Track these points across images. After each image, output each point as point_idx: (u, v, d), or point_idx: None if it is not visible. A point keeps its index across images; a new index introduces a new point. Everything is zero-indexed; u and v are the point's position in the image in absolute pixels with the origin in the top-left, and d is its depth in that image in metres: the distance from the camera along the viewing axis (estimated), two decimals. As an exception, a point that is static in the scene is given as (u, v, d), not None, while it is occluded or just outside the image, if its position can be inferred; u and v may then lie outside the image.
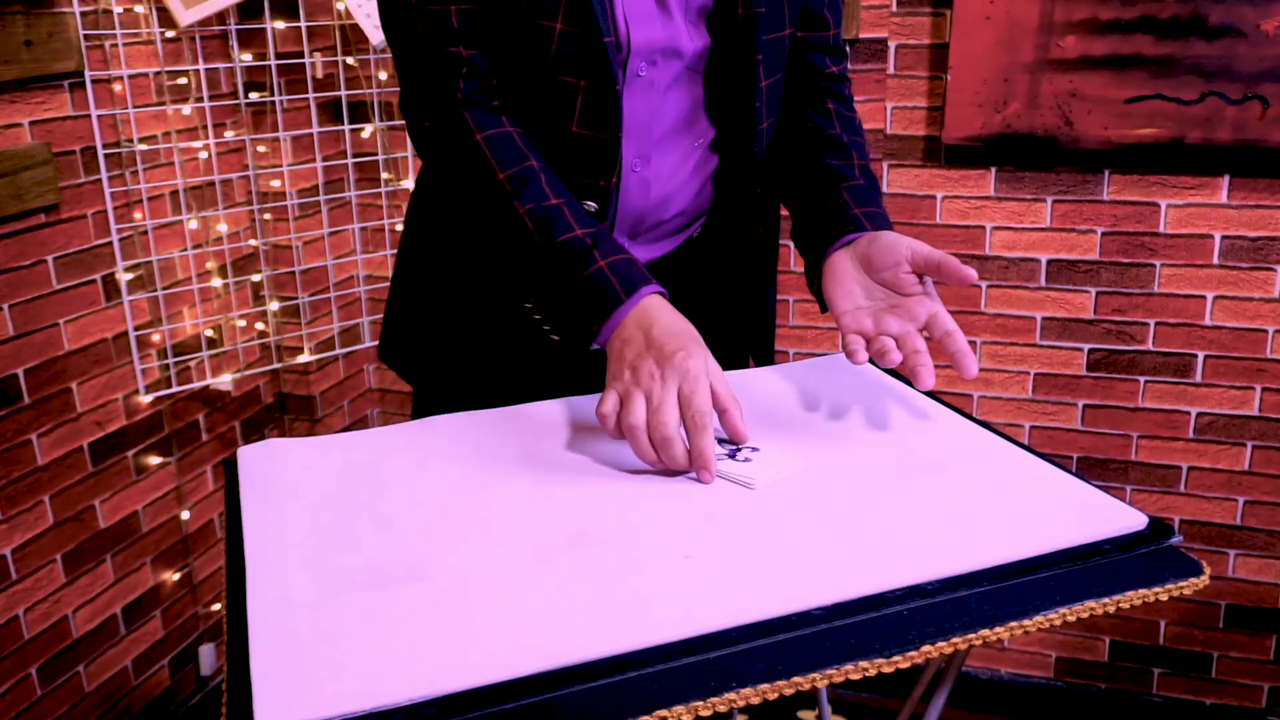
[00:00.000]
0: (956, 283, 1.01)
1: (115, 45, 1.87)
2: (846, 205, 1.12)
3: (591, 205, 1.12)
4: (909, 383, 1.23)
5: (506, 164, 1.06)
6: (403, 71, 1.11)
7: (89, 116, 1.84)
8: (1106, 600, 0.85)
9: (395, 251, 1.34)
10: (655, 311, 1.02)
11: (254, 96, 2.10)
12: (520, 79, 1.08)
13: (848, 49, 1.28)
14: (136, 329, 1.96)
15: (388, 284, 1.53)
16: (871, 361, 1.06)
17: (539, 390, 1.22)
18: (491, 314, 1.22)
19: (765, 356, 1.34)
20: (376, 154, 2.21)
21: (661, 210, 1.19)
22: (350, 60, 2.14)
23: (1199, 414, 2.05)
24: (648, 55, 1.09)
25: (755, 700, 0.75)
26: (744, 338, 1.34)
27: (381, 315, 1.58)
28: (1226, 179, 1.92)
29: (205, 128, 2.05)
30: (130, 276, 1.95)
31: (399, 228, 1.99)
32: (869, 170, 1.19)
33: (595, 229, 1.06)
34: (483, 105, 1.09)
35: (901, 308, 1.06)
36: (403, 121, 1.93)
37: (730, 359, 1.17)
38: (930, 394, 1.19)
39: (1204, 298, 1.99)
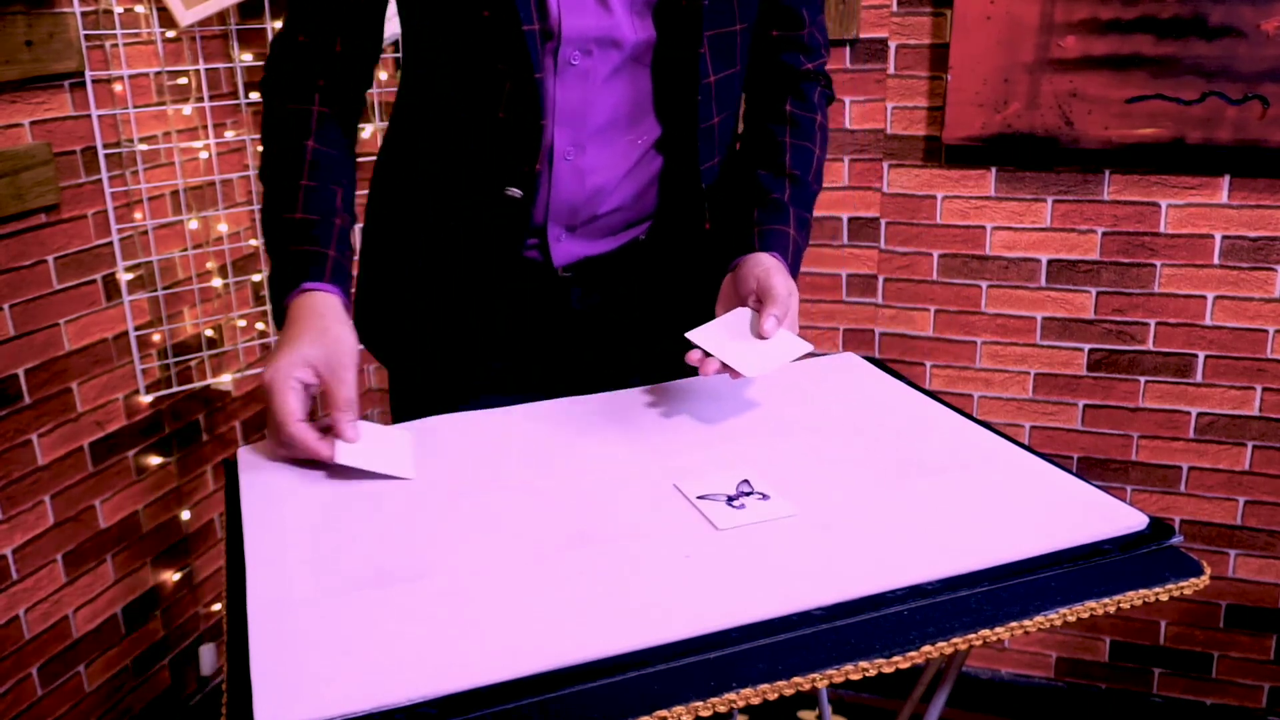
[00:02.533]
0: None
1: (115, 45, 1.87)
2: (750, 223, 1.18)
3: (516, 191, 1.13)
4: (910, 382, 1.23)
5: (286, 135, 1.13)
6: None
7: (89, 116, 1.84)
8: (1107, 600, 0.85)
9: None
10: (297, 306, 1.07)
11: (254, 96, 2.10)
12: (450, 64, 1.11)
13: (825, 45, 1.27)
14: (137, 329, 1.96)
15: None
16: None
17: (508, 358, 1.25)
18: (453, 287, 1.22)
19: None
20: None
21: (597, 203, 1.18)
22: (350, 60, 2.14)
23: (1199, 414, 2.05)
24: (581, 44, 1.09)
25: (755, 700, 0.75)
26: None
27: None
28: (1227, 179, 1.92)
29: (205, 128, 2.05)
30: (130, 276, 1.95)
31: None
32: (800, 178, 1.21)
33: (317, 217, 1.10)
34: (302, 78, 1.14)
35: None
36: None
37: (679, 365, 1.18)
38: (930, 394, 1.19)
39: (1204, 298, 1.99)
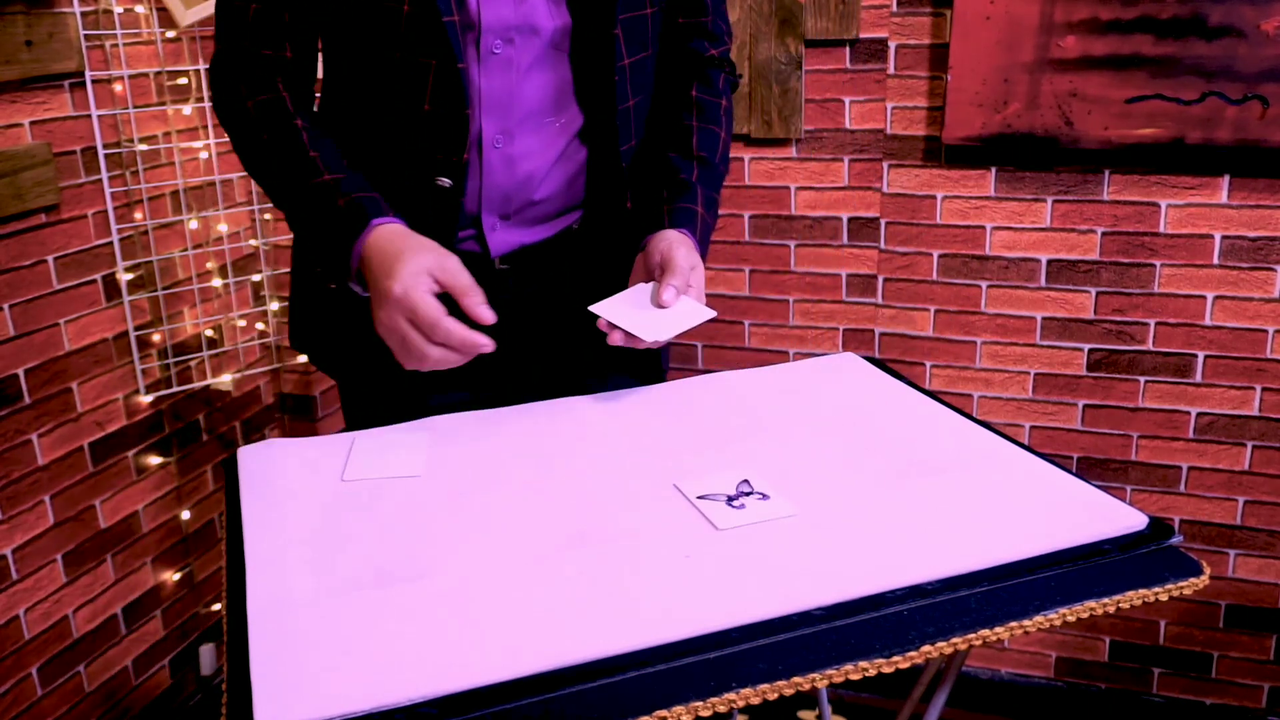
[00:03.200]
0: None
1: (115, 45, 1.87)
2: (660, 203, 1.23)
3: (446, 181, 1.14)
4: (910, 383, 1.23)
5: (270, 124, 1.12)
6: (215, 43, 1.18)
7: (89, 116, 1.84)
8: (1106, 600, 0.85)
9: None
10: (375, 242, 1.07)
11: (254, 96, 2.10)
12: (373, 60, 1.12)
13: (728, 32, 1.35)
14: (137, 329, 1.96)
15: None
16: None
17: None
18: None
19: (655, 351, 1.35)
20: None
21: (529, 190, 1.20)
22: (350, 60, 2.14)
23: (1199, 414, 2.05)
24: (502, 33, 1.11)
25: (755, 700, 0.75)
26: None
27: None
28: (1226, 179, 1.92)
29: (205, 128, 2.05)
30: (130, 276, 1.95)
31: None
32: (707, 159, 1.27)
33: (343, 175, 1.10)
34: (259, 78, 1.14)
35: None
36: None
37: (620, 354, 1.20)
38: (930, 394, 1.19)
39: (1204, 298, 1.99)
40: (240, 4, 1.13)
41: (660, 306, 1.13)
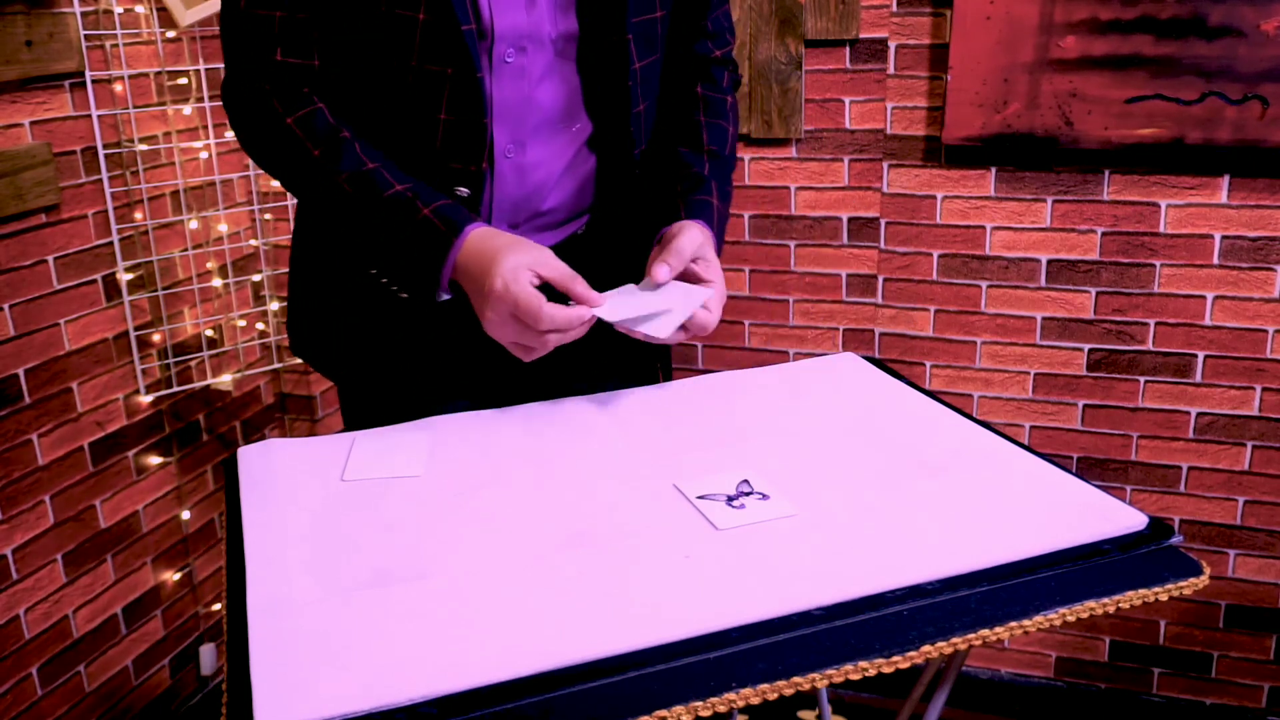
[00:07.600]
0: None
1: (116, 45, 1.87)
2: (674, 197, 1.23)
3: (464, 190, 1.14)
4: (910, 383, 1.23)
5: (318, 139, 1.10)
6: (226, 64, 1.15)
7: (89, 116, 1.84)
8: (1106, 600, 0.85)
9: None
10: (471, 246, 1.07)
11: (254, 96, 2.10)
12: (387, 70, 1.10)
13: (730, 31, 1.36)
14: (137, 329, 1.96)
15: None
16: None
17: (456, 365, 1.24)
18: (384, 296, 1.21)
19: (664, 359, 1.36)
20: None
21: (539, 199, 1.20)
22: (350, 60, 2.14)
23: (1199, 414, 2.05)
24: (514, 41, 1.11)
25: (755, 700, 0.75)
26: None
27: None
28: (1226, 179, 1.92)
29: (205, 128, 2.05)
30: (130, 276, 1.95)
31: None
32: (718, 153, 1.28)
33: (413, 183, 1.09)
34: (290, 92, 1.11)
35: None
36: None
37: (631, 363, 1.18)
38: (930, 394, 1.19)
39: (1204, 298, 1.99)
40: (264, 14, 1.09)
41: (655, 282, 1.12)
